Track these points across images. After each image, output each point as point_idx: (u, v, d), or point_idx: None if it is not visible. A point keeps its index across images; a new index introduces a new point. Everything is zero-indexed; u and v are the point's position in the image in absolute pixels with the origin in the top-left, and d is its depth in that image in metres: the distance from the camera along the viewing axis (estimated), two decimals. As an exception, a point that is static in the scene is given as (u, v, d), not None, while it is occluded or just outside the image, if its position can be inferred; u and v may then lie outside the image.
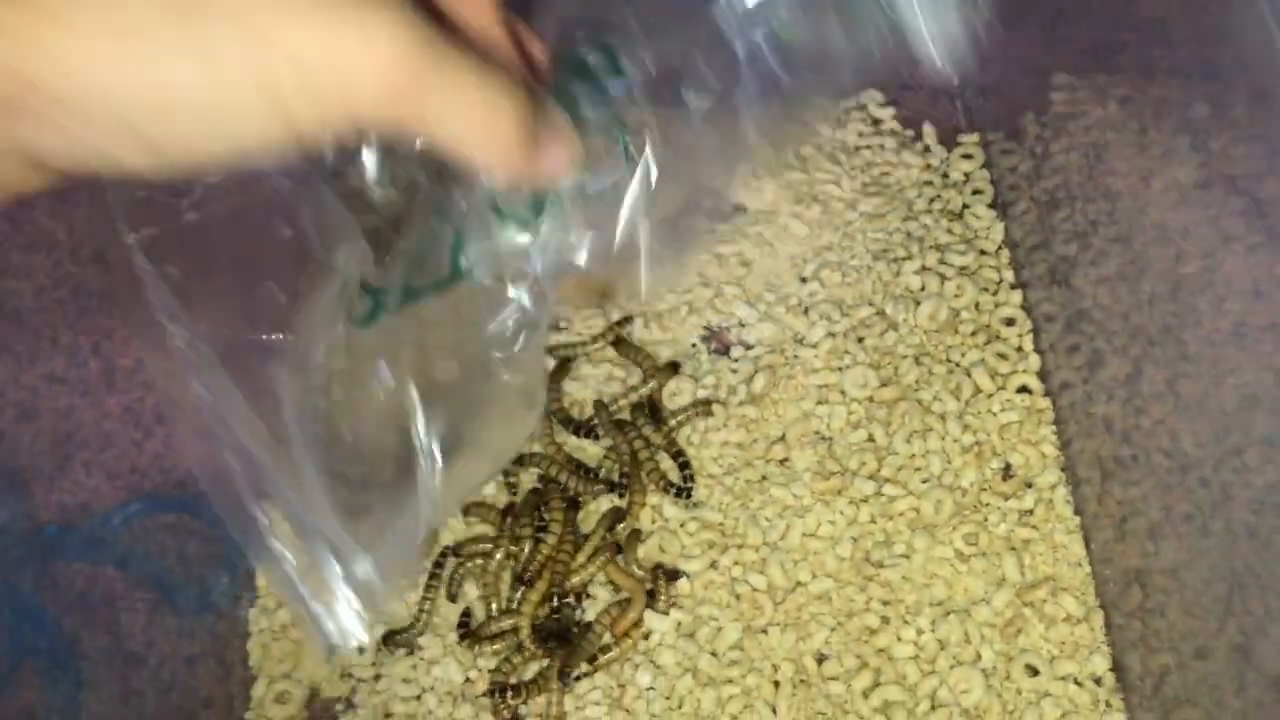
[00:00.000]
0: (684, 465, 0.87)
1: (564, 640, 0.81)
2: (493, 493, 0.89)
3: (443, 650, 0.83)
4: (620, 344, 0.94)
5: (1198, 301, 0.72)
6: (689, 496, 0.86)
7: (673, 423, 0.89)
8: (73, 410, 0.81)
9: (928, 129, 1.03)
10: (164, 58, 0.29)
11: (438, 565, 0.86)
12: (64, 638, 0.79)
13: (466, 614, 0.85)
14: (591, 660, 0.81)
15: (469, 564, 0.85)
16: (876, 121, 1.04)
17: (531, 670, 0.82)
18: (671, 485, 0.86)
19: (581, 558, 0.83)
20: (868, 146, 1.02)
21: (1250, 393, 0.66)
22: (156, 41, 0.29)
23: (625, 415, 0.91)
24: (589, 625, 0.82)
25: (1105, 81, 0.86)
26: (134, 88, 0.29)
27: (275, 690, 0.84)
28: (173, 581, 0.84)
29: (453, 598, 0.85)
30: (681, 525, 0.86)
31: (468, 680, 0.82)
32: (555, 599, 0.83)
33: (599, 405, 0.91)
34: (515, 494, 0.88)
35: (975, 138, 1.02)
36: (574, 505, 0.87)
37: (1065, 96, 0.93)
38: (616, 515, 0.86)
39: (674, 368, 0.92)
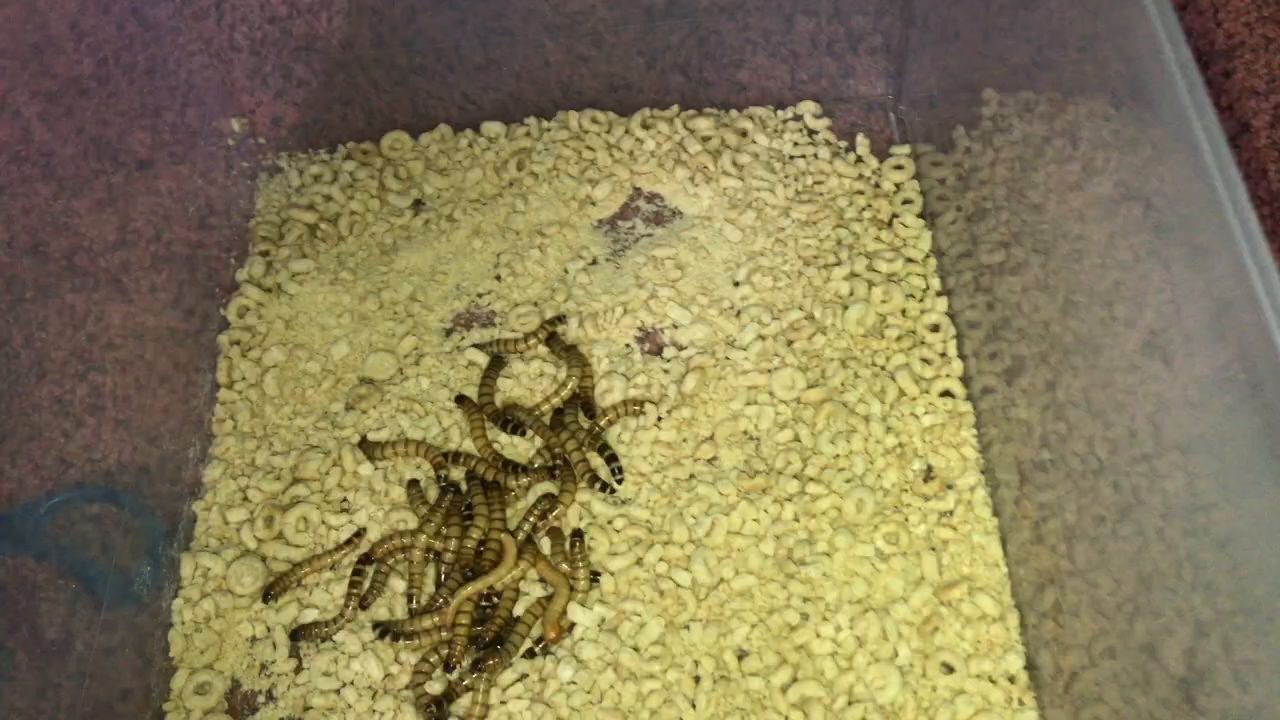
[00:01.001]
0: (611, 459, 0.88)
1: (493, 644, 0.82)
2: (422, 485, 0.90)
3: (361, 646, 0.83)
4: (553, 341, 0.95)
5: (1114, 312, 0.74)
6: (613, 492, 0.87)
7: (603, 421, 0.90)
8: (1, 400, 0.80)
9: (861, 140, 1.05)
10: None
11: (363, 562, 0.86)
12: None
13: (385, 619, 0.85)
14: (529, 655, 0.82)
15: (390, 561, 0.86)
16: (812, 132, 1.06)
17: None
18: (598, 481, 0.87)
19: (509, 551, 0.84)
20: (802, 156, 1.04)
21: (1162, 401, 0.68)
22: None
23: (548, 414, 0.92)
24: (516, 620, 0.82)
25: (1031, 98, 0.89)
26: None
27: (196, 682, 0.83)
28: (94, 573, 0.83)
29: (364, 605, 0.85)
30: (609, 522, 0.87)
31: (388, 675, 0.82)
32: (481, 596, 0.84)
33: (522, 407, 0.92)
34: (445, 487, 0.88)
35: (907, 149, 1.04)
36: (501, 499, 0.87)
37: (994, 111, 0.95)
38: (549, 504, 0.86)
39: (576, 349, 0.94)
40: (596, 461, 0.89)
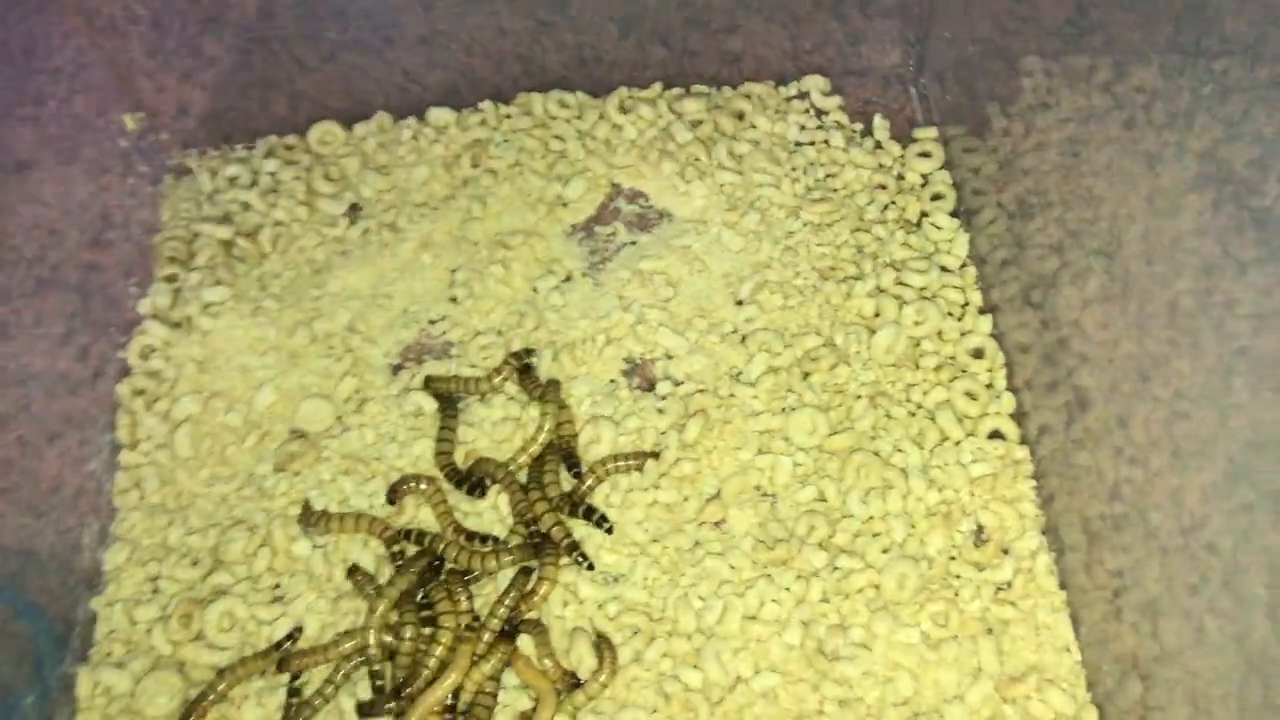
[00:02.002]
0: (590, 513, 0.73)
1: None
2: (370, 565, 0.74)
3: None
4: (525, 377, 0.79)
5: (1196, 325, 0.62)
6: (591, 567, 0.72)
7: (590, 480, 0.75)
8: None
9: (879, 122, 0.89)
10: None
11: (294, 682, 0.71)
12: None
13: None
14: None
15: (333, 681, 0.71)
16: (821, 113, 0.90)
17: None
18: (576, 551, 0.72)
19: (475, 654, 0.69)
20: (811, 143, 0.88)
21: (1260, 435, 0.56)
22: None
23: (523, 469, 0.77)
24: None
25: (1083, 65, 0.74)
26: None
27: (100, 829, 0.68)
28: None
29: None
30: (600, 607, 0.72)
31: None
32: (453, 709, 0.69)
33: (493, 461, 0.77)
34: (400, 572, 0.73)
35: (933, 132, 0.88)
36: (467, 590, 0.72)
37: (1036, 83, 0.80)
38: (520, 594, 0.71)
39: (556, 385, 0.78)
40: (581, 532, 0.74)
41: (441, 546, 0.73)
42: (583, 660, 0.70)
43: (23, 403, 0.77)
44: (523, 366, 0.80)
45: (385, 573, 0.73)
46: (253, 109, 0.93)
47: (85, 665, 0.72)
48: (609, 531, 0.73)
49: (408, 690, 0.68)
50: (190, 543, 0.76)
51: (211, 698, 0.70)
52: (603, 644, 0.70)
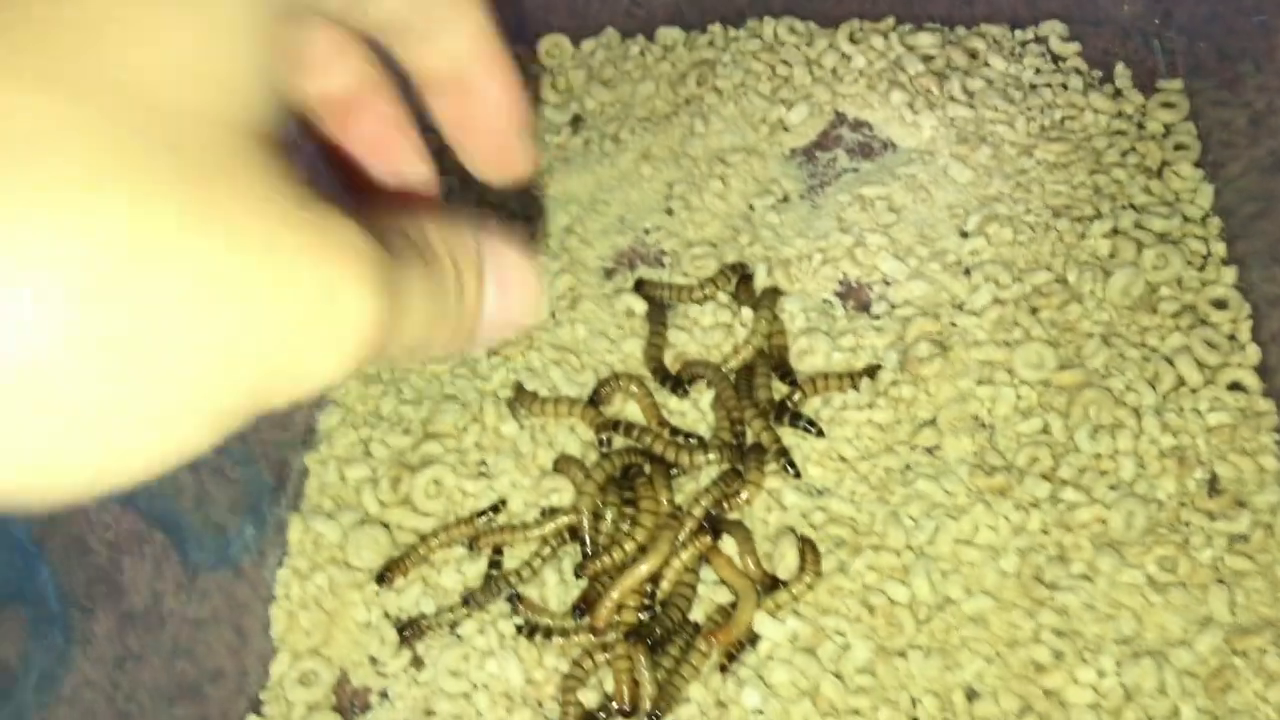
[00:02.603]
0: (796, 418, 0.72)
1: (660, 648, 0.66)
2: (578, 451, 0.74)
3: (499, 642, 0.68)
4: (744, 286, 0.78)
5: None
6: (798, 475, 0.71)
7: (804, 390, 0.73)
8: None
9: (1120, 69, 0.86)
10: None
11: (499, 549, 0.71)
12: (55, 583, 0.65)
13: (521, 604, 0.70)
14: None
15: (542, 549, 0.71)
16: (1058, 58, 0.88)
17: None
18: (784, 457, 0.71)
19: (667, 547, 0.68)
20: (1048, 85, 0.85)
21: None
22: None
23: (733, 373, 0.76)
24: (694, 629, 0.67)
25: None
26: None
27: (300, 669, 0.69)
28: (186, 526, 0.69)
29: (501, 592, 0.70)
30: (804, 516, 0.71)
31: (530, 682, 0.67)
32: (651, 596, 0.68)
33: (705, 363, 0.76)
34: (607, 458, 0.72)
35: (1178, 84, 0.85)
36: (668, 483, 0.71)
37: (1297, 42, 0.76)
38: (729, 487, 0.70)
39: (774, 294, 0.77)
40: (790, 439, 0.72)
41: (649, 440, 0.73)
42: (784, 560, 0.68)
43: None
44: (743, 276, 0.79)
45: (591, 458, 0.73)
46: (482, 21, 0.95)
47: (297, 514, 0.74)
48: (819, 434, 0.71)
49: (595, 565, 0.68)
50: (403, 412, 0.77)
51: (413, 558, 0.71)
52: (807, 547, 0.68)
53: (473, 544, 0.71)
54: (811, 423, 0.72)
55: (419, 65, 0.34)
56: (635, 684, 0.65)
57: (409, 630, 0.69)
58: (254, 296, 0.23)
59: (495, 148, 0.36)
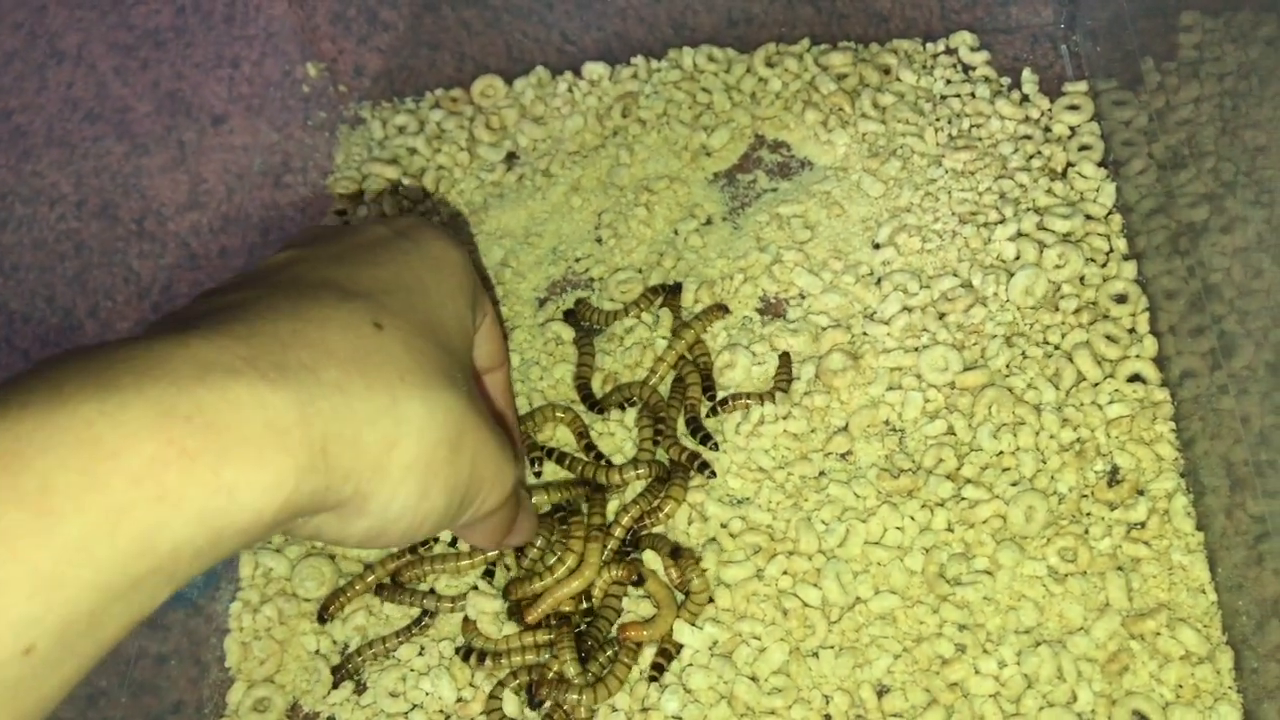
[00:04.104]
0: (697, 429, 0.76)
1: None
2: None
3: (438, 660, 0.72)
4: (671, 303, 0.82)
5: None
6: (712, 474, 0.74)
7: (729, 409, 0.77)
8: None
9: (1027, 76, 0.89)
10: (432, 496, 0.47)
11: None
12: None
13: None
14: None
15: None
16: (968, 68, 0.90)
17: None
18: (698, 461, 0.74)
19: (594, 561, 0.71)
20: (957, 95, 0.88)
21: None
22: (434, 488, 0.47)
23: (656, 389, 0.79)
24: (611, 643, 0.70)
25: (1248, 20, 0.72)
26: (409, 514, 0.46)
27: (254, 697, 0.74)
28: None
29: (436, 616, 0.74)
30: (724, 525, 0.74)
31: (460, 700, 0.71)
32: (581, 613, 0.72)
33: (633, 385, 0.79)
34: (544, 490, 0.76)
35: (1083, 86, 0.87)
36: (600, 507, 0.75)
37: (1197, 39, 0.78)
38: (650, 502, 0.74)
39: (720, 309, 0.81)
40: (691, 441, 0.76)
41: (579, 468, 0.76)
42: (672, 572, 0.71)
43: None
44: (672, 288, 0.82)
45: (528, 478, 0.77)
46: (422, 67, 1.00)
47: (247, 550, 0.79)
48: (714, 448, 0.75)
49: (522, 589, 0.71)
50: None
51: (358, 588, 0.75)
52: (681, 551, 0.72)
53: (394, 579, 0.75)
54: (709, 435, 0.75)
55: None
56: (560, 677, 0.68)
57: (340, 672, 0.73)
58: (485, 455, 0.50)
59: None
